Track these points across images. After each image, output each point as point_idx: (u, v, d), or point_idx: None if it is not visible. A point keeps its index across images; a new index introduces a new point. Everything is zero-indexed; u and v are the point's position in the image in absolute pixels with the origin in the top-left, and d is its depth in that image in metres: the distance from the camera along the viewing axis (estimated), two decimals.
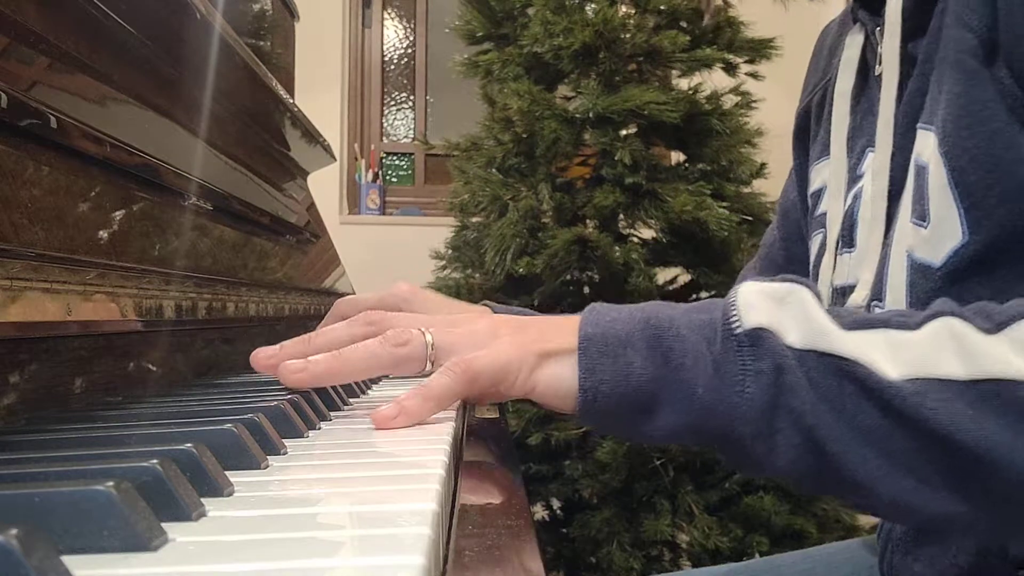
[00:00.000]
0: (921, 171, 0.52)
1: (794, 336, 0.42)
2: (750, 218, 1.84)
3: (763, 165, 1.89)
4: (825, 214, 0.66)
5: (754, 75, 1.92)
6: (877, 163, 0.58)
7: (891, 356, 0.41)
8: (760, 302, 0.43)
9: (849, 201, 0.63)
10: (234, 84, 0.83)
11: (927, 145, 0.52)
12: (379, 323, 0.51)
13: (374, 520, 0.29)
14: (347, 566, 0.24)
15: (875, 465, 0.41)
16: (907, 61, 0.57)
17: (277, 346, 0.52)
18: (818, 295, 0.44)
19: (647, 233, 1.85)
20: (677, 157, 1.98)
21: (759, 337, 0.42)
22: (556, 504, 1.80)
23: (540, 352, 0.46)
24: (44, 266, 0.45)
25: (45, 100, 0.49)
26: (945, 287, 0.50)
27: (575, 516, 1.70)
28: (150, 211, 0.62)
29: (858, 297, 0.58)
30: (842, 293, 0.62)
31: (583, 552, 1.68)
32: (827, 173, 0.67)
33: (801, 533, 1.64)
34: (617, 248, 1.71)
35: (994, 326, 0.40)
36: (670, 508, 1.64)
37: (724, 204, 1.74)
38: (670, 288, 1.91)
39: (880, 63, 0.60)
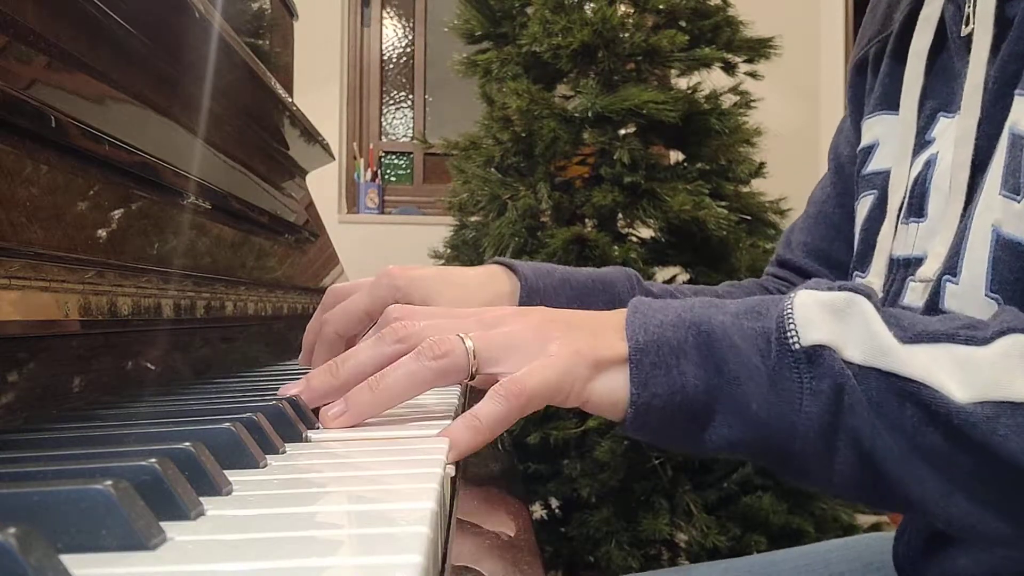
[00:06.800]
0: (1018, 141, 0.48)
1: (854, 351, 0.41)
2: (749, 217, 1.84)
3: (762, 164, 1.89)
4: (880, 175, 0.63)
5: (753, 75, 1.93)
6: (961, 130, 0.54)
7: (958, 376, 0.39)
8: (818, 315, 0.42)
9: (919, 168, 0.59)
10: (233, 83, 0.83)
11: None
12: (409, 338, 0.46)
13: (373, 519, 0.29)
14: (345, 565, 0.24)
15: (934, 486, 0.40)
16: (1001, 23, 0.53)
17: (303, 380, 0.48)
18: (877, 304, 0.43)
19: (646, 232, 1.85)
20: (676, 156, 1.98)
21: (818, 355, 0.41)
22: (555, 503, 1.80)
23: (593, 362, 0.43)
24: (42, 265, 0.45)
25: (43, 98, 0.49)
26: None
27: (573, 515, 1.70)
28: (149, 210, 0.62)
29: (928, 271, 0.54)
30: (904, 265, 0.58)
31: (581, 551, 1.68)
32: (880, 130, 0.64)
33: (799, 532, 1.65)
34: (616, 247, 1.71)
35: None
36: (668, 507, 1.64)
37: (723, 203, 1.74)
38: None
39: (967, 23, 0.56)
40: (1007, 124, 0.50)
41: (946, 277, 0.52)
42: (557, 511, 1.80)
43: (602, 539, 1.63)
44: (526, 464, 1.72)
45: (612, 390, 0.43)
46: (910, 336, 0.41)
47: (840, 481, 0.42)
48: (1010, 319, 0.41)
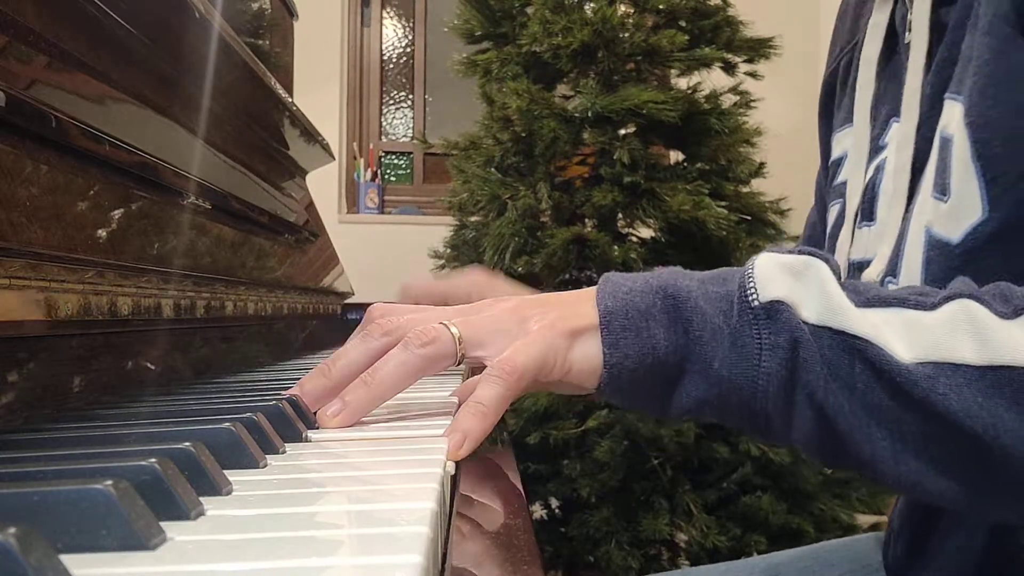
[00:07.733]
0: (946, 143, 0.50)
1: (810, 311, 0.42)
2: (748, 217, 1.84)
3: (762, 164, 1.89)
4: (845, 184, 0.64)
5: (753, 74, 1.93)
6: (902, 134, 0.56)
7: (905, 337, 0.41)
8: (777, 275, 0.43)
9: (871, 173, 0.61)
10: (233, 83, 0.83)
11: (953, 116, 0.49)
12: (395, 331, 0.48)
13: (372, 519, 0.29)
14: (345, 565, 0.24)
15: (883, 445, 0.41)
16: (937, 28, 0.54)
17: (296, 387, 0.49)
18: (836, 269, 0.44)
19: (645, 232, 1.85)
20: (676, 156, 1.98)
21: (776, 310, 0.42)
22: (554, 503, 1.80)
23: (569, 332, 0.45)
24: (42, 265, 0.45)
25: (44, 99, 0.49)
26: (962, 266, 0.48)
27: (573, 515, 1.70)
28: (149, 210, 0.62)
29: (872, 272, 0.56)
30: (859, 268, 0.60)
31: (581, 551, 1.68)
32: (848, 142, 0.65)
33: (799, 532, 1.64)
34: (615, 247, 1.71)
35: (1011, 311, 0.40)
36: (668, 507, 1.64)
37: (723, 203, 1.74)
38: None
39: (910, 30, 0.57)
40: (938, 127, 0.51)
41: (888, 278, 0.54)
42: (557, 511, 1.80)
43: (602, 539, 1.63)
44: (526, 464, 1.72)
45: (588, 356, 0.45)
46: (863, 300, 0.42)
47: (799, 438, 0.43)
48: (959, 286, 0.42)
